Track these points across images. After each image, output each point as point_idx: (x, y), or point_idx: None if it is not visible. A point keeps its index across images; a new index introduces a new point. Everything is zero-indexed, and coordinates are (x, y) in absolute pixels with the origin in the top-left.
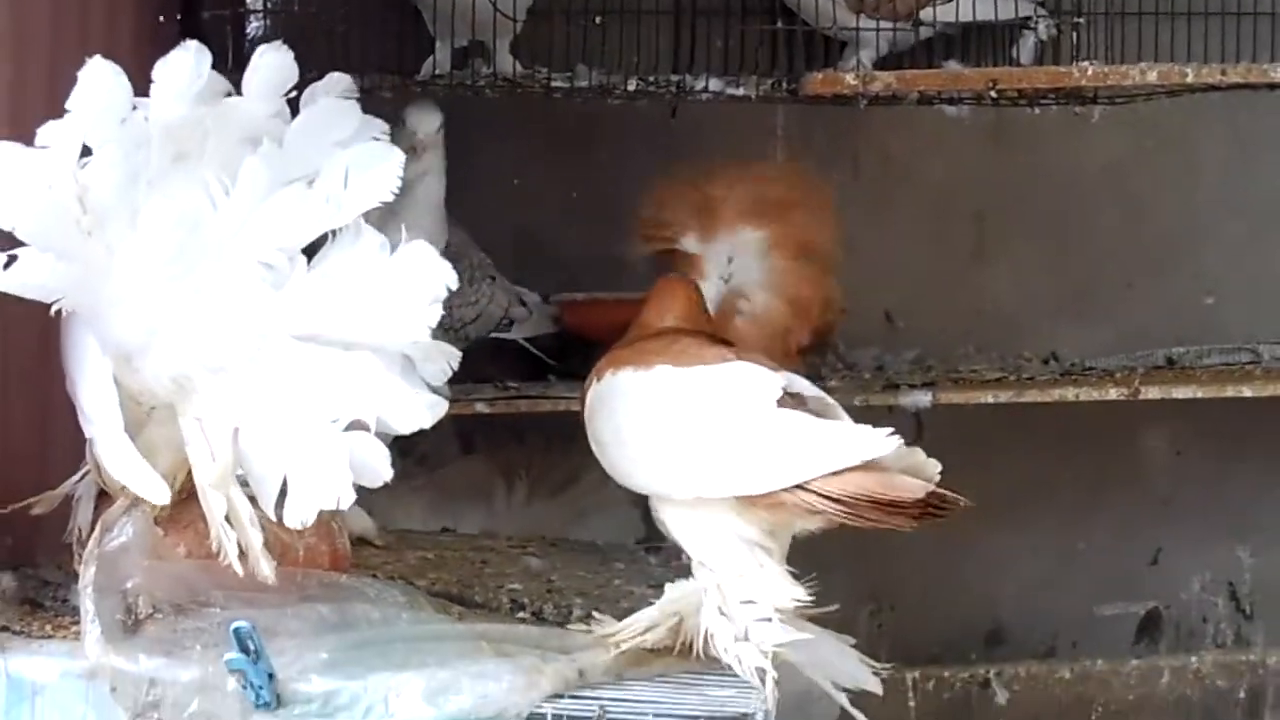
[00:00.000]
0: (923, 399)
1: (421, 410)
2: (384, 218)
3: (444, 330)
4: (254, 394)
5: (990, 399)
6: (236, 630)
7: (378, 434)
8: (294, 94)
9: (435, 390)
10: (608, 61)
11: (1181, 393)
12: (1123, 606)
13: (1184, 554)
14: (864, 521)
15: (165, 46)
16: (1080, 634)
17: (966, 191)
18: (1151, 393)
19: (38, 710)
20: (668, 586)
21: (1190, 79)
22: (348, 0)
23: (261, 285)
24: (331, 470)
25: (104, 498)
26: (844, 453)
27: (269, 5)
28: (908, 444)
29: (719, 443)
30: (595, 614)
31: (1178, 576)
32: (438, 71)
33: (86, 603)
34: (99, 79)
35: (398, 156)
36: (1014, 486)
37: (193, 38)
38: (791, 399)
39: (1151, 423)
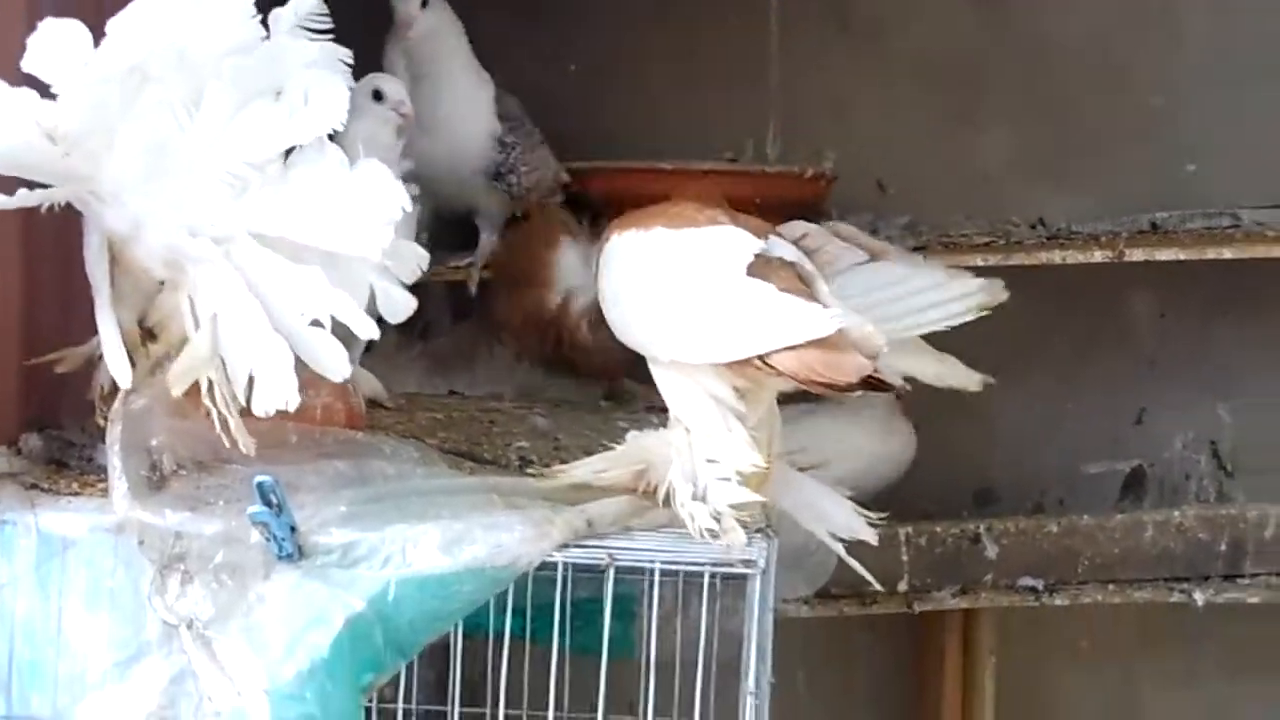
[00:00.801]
0: None
1: (391, 311)
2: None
3: (511, 197)
4: (226, 288)
5: (980, 261)
6: (260, 484)
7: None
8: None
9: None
10: None
11: (1165, 255)
12: (1108, 465)
13: (1167, 413)
14: (816, 389)
15: None
16: (1067, 491)
17: (955, 59)
18: (1136, 255)
19: (68, 564)
20: (631, 433)
21: None
22: None
23: (226, 191)
24: (280, 371)
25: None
26: (792, 331)
27: None
28: None
29: (691, 308)
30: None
31: (1161, 435)
32: None
33: (114, 460)
34: (55, 31)
35: (344, 88)
36: (1001, 349)
37: None
38: (770, 264)
39: (1135, 286)
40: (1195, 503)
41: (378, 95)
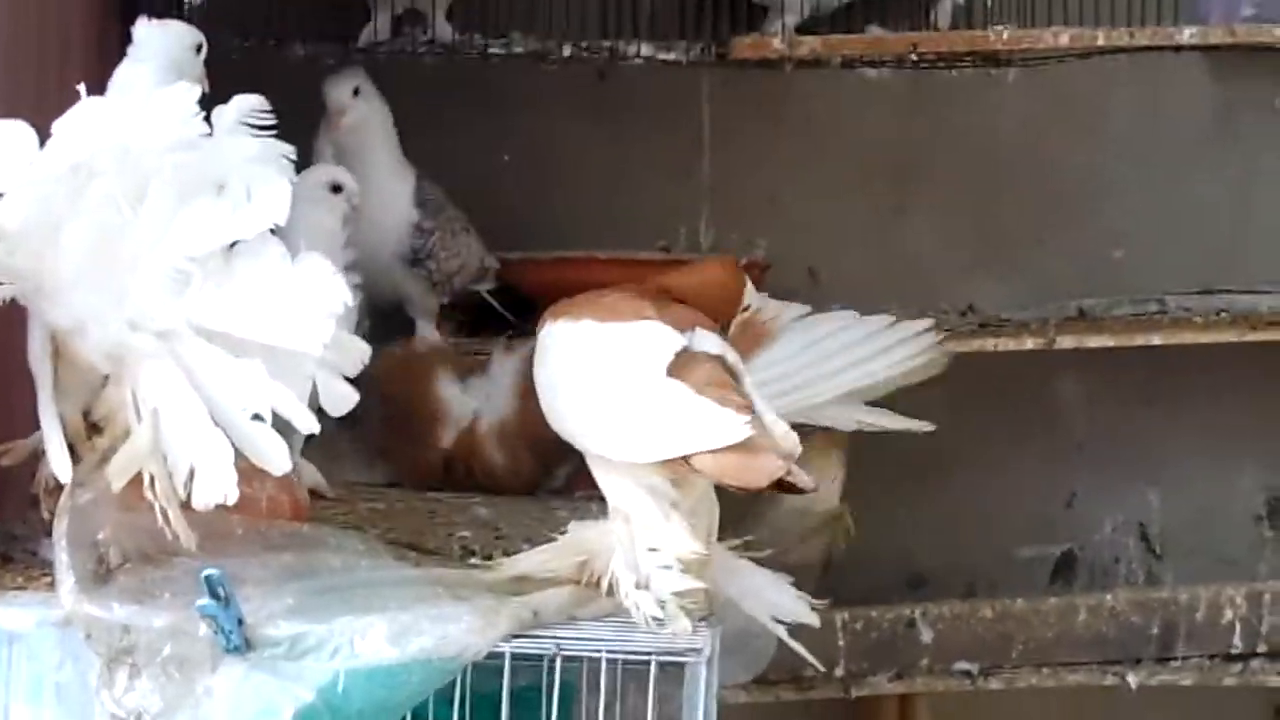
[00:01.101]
0: None
1: (333, 404)
2: (349, 164)
3: (432, 284)
4: (167, 382)
5: None
6: (208, 577)
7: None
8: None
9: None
10: (538, 25)
11: (1095, 342)
12: (1039, 548)
13: (1097, 497)
14: (731, 489)
15: (107, 14)
16: (999, 575)
17: (886, 150)
18: (1066, 342)
19: (15, 657)
20: (573, 524)
21: (1101, 42)
22: None
23: (169, 286)
24: (220, 465)
25: (70, 450)
26: (705, 438)
27: None
28: None
29: (614, 406)
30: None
31: (1091, 519)
32: (377, 39)
33: (60, 554)
34: (1, 134)
35: (286, 185)
36: (932, 434)
37: (134, 6)
38: (692, 360)
39: (1065, 371)
40: (1126, 585)
41: (336, 188)
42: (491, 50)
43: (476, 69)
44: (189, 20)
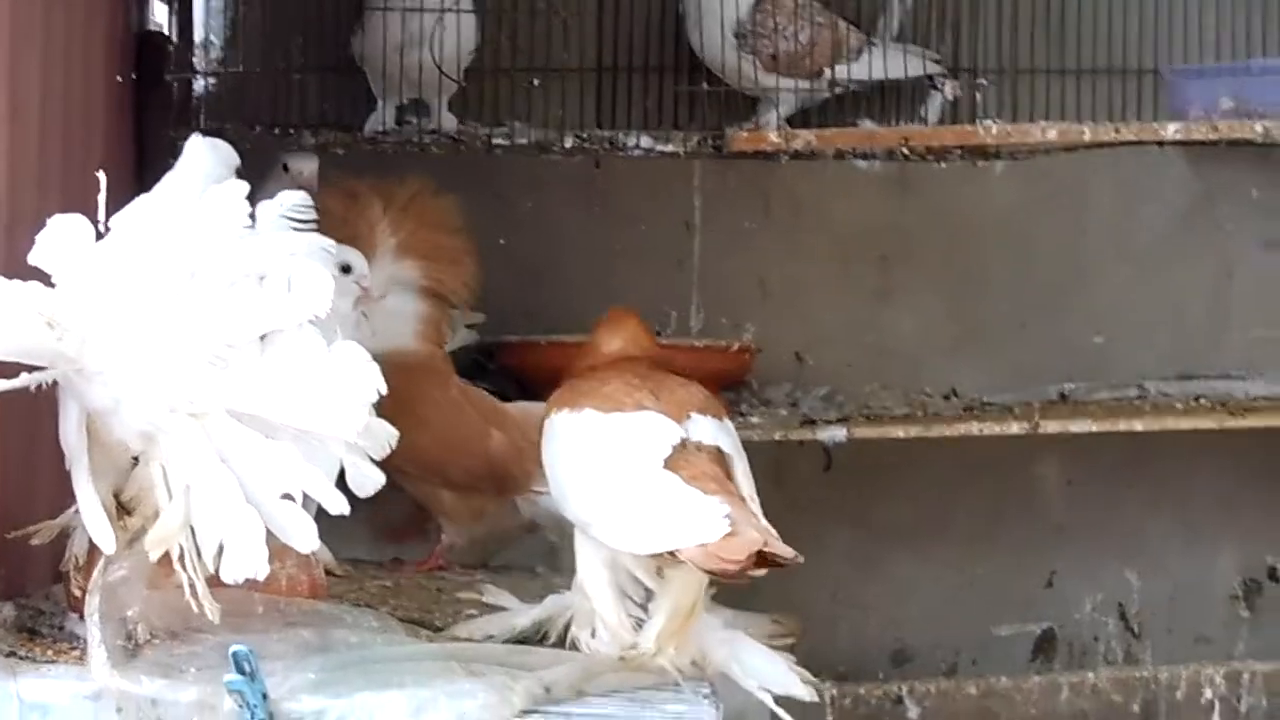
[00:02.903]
0: (838, 434)
1: (360, 485)
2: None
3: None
4: (200, 461)
5: (901, 434)
6: (235, 653)
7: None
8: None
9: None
10: (535, 116)
11: (1078, 427)
12: (1019, 627)
13: (1076, 577)
14: (715, 575)
15: (123, 105)
16: (980, 652)
17: (872, 236)
18: (1050, 427)
19: None
20: (550, 598)
21: (1087, 137)
22: (296, 60)
23: (206, 370)
24: (252, 542)
25: None
26: (688, 534)
27: (223, 66)
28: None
29: (611, 495)
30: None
31: (1071, 598)
32: (382, 128)
33: (92, 629)
34: (62, 227)
35: (328, 278)
36: (915, 514)
37: (148, 96)
38: (686, 451)
39: (1045, 454)
40: (1106, 664)
41: (346, 269)
42: (495, 140)
43: (478, 157)
44: (199, 109)
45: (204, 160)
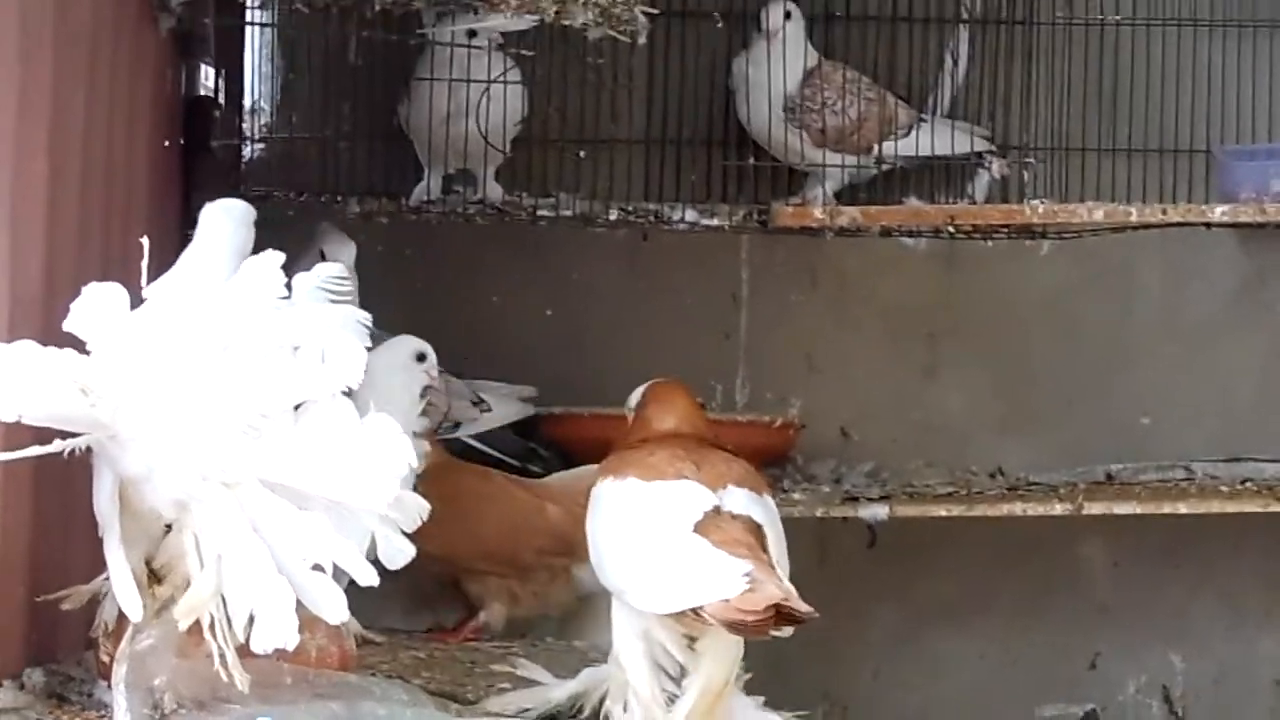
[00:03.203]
0: (880, 511)
1: (391, 558)
2: None
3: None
4: (232, 530)
5: (944, 513)
6: None
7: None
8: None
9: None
10: (583, 188)
11: (1122, 509)
12: (1062, 708)
13: (1120, 659)
14: (734, 631)
15: (170, 170)
16: None
17: (919, 313)
18: (1094, 508)
19: None
20: (586, 671)
21: (1134, 218)
22: (344, 128)
23: (239, 439)
24: (283, 612)
25: None
26: (709, 590)
27: (271, 133)
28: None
29: (644, 559)
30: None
31: (1114, 679)
32: (428, 198)
33: (119, 698)
34: (97, 295)
35: (361, 350)
36: (959, 592)
37: (196, 162)
38: (718, 518)
39: (1090, 534)
40: None
41: (420, 357)
42: (540, 212)
43: (524, 228)
44: (249, 175)
45: (221, 224)
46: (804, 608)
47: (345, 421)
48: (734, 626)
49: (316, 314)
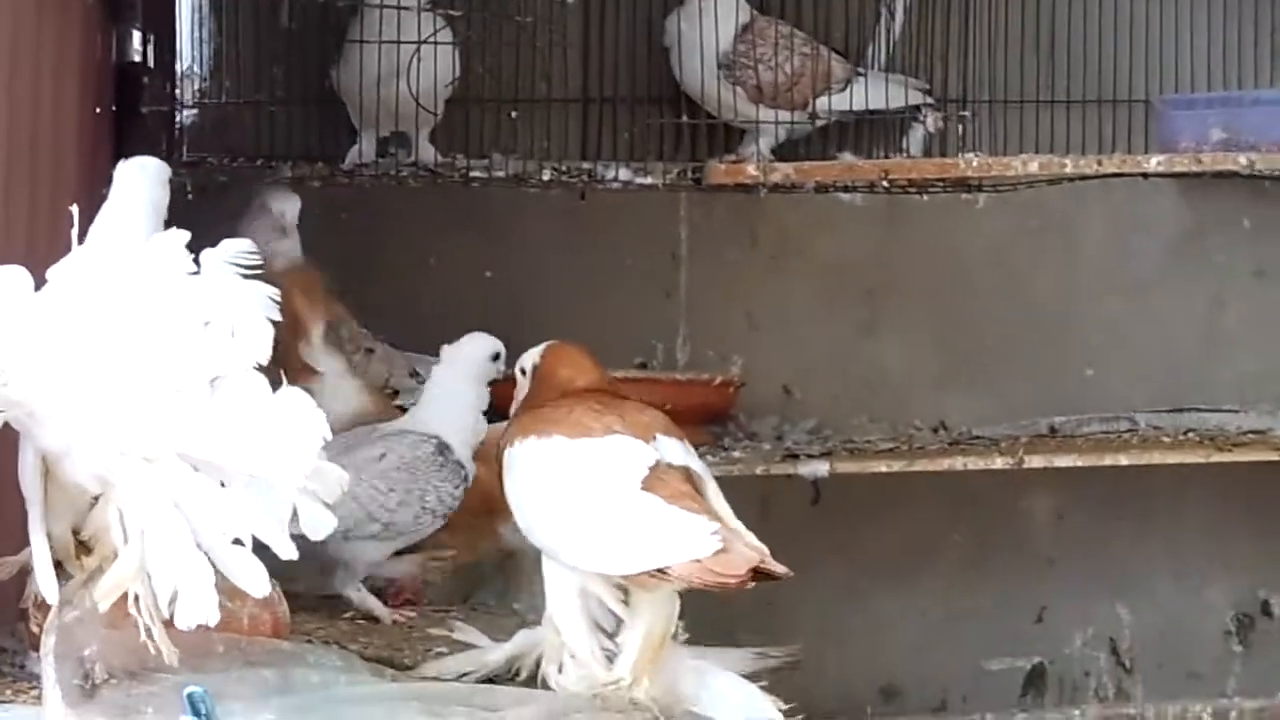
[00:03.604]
0: (820, 468)
1: (313, 528)
2: None
3: None
4: (153, 506)
5: (884, 468)
6: (190, 695)
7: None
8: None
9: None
10: (520, 148)
11: (1063, 461)
12: (1009, 661)
13: (1067, 611)
14: (710, 589)
15: (100, 137)
16: (969, 688)
17: (859, 269)
18: (1035, 461)
19: None
20: (521, 633)
21: (1069, 169)
22: (277, 92)
23: (155, 414)
24: (202, 588)
25: (58, 567)
26: (678, 551)
27: (203, 98)
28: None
29: (588, 520)
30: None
31: (1061, 632)
32: (362, 160)
33: (48, 669)
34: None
35: (269, 327)
36: (904, 547)
37: (128, 128)
38: (660, 472)
39: (1034, 487)
40: (1096, 700)
41: (495, 357)
42: (473, 173)
43: (460, 190)
44: (180, 141)
45: (136, 183)
46: (780, 568)
47: (259, 396)
48: (709, 587)
49: (226, 288)
